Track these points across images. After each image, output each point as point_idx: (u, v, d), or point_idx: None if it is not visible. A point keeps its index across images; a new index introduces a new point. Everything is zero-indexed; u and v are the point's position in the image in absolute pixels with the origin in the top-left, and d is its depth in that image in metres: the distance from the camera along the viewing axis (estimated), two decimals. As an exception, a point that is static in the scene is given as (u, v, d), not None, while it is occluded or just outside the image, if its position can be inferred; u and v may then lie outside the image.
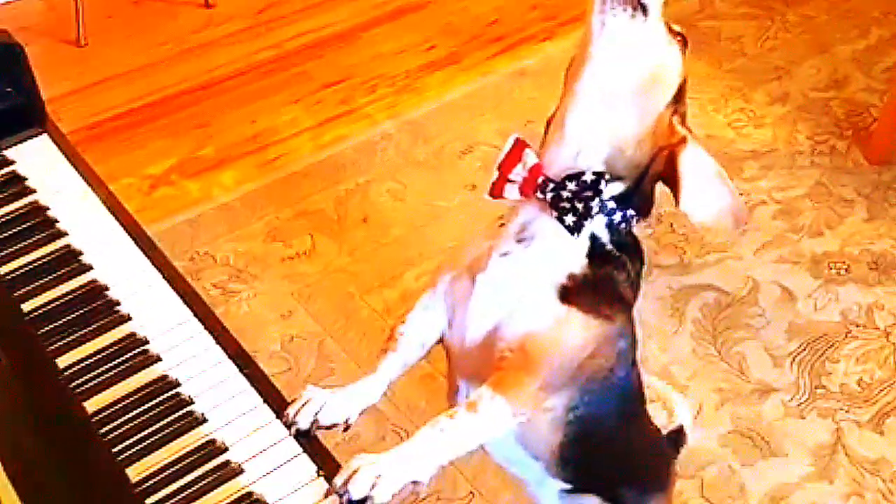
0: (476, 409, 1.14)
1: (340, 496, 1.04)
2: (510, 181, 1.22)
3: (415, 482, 1.09)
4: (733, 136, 2.80)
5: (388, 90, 3.04)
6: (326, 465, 1.08)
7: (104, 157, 2.69)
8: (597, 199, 1.19)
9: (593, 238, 1.22)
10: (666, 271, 2.42)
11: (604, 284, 1.22)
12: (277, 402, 1.15)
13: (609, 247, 1.23)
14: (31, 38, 3.02)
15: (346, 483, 1.04)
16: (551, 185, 1.19)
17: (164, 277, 1.30)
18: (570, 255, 1.21)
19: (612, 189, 1.21)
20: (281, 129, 2.91)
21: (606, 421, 1.32)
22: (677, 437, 1.70)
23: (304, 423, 1.13)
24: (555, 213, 1.19)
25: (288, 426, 1.12)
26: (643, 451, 1.51)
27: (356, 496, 1.04)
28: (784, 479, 2.01)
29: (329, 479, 1.07)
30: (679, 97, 1.23)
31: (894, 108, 2.64)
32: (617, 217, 1.22)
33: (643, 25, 1.19)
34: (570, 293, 1.19)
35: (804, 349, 2.24)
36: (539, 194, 1.20)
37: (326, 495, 1.05)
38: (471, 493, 2.00)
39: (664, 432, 1.68)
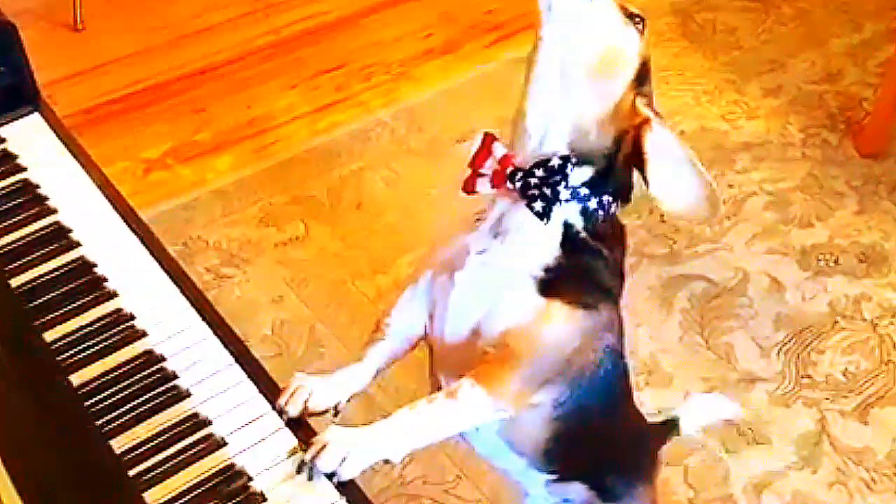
0: (455, 395, 1.15)
1: (309, 469, 1.05)
2: (481, 175, 1.21)
3: (387, 461, 1.10)
4: (727, 127, 2.81)
5: (385, 77, 3.04)
6: (308, 439, 1.09)
7: (100, 141, 2.70)
8: (563, 184, 1.17)
9: (566, 226, 1.20)
10: (655, 261, 2.43)
11: (580, 273, 1.21)
12: (261, 378, 1.16)
13: (583, 234, 1.21)
14: (27, 21, 3.01)
15: (314, 457, 1.05)
16: (520, 174, 1.19)
17: (150, 253, 1.31)
18: (544, 245, 1.19)
19: (580, 174, 1.19)
20: (277, 115, 2.91)
21: (593, 415, 1.31)
22: (668, 427, 1.71)
23: (294, 410, 1.13)
24: (524, 201, 1.18)
25: (279, 414, 1.12)
26: (629, 441, 1.51)
27: (324, 470, 1.05)
28: (768, 467, 2.03)
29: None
30: (641, 79, 1.21)
31: (887, 102, 2.65)
32: (592, 203, 1.20)
33: (591, 6, 1.17)
34: (550, 286, 1.19)
35: (791, 339, 2.26)
36: (509, 184, 1.19)
37: (299, 471, 1.06)
38: (458, 476, 2.01)
39: (652, 421, 1.69)
